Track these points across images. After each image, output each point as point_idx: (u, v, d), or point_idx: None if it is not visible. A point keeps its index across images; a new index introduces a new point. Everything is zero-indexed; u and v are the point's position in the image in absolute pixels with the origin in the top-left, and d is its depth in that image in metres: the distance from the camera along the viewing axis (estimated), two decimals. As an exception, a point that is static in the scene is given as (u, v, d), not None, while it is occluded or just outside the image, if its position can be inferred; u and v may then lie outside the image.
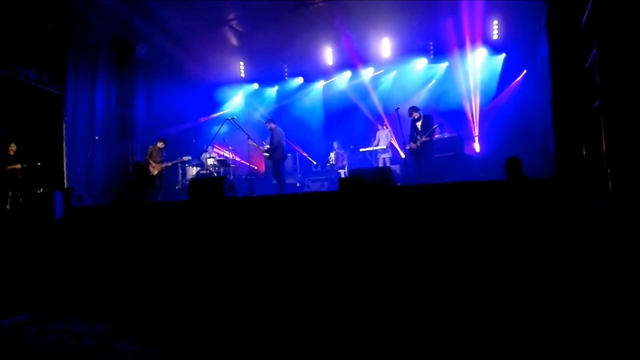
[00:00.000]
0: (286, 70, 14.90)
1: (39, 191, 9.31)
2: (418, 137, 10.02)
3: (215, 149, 13.08)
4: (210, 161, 12.07)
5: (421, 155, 10.05)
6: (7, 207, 9.09)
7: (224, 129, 11.17)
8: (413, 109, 10.21)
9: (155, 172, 11.47)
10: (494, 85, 12.36)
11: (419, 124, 10.10)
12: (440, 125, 11.29)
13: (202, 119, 14.64)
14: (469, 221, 4.55)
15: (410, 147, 10.13)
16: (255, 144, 10.74)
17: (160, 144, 11.63)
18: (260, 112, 15.16)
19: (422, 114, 10.13)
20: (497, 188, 4.97)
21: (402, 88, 13.50)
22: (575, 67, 5.28)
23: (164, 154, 11.69)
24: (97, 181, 11.36)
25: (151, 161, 11.48)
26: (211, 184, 6.78)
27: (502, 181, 5.52)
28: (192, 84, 14.93)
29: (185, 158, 11.84)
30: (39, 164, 9.77)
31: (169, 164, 11.69)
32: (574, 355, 3.36)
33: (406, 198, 5.25)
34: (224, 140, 13.00)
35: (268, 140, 10.94)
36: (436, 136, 11.05)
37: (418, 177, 10.00)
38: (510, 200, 4.57)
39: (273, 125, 10.65)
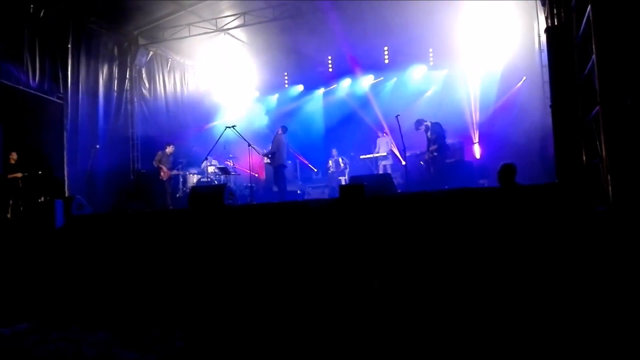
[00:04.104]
0: (286, 78, 14.93)
1: (40, 200, 9.31)
2: (430, 146, 10.06)
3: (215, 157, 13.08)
4: (211, 169, 12.07)
5: (434, 162, 10.09)
6: (8, 215, 9.09)
7: (224, 137, 11.17)
8: (418, 122, 10.18)
9: (166, 178, 11.56)
10: (493, 91, 12.37)
11: (428, 134, 10.12)
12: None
13: (203, 127, 14.65)
14: (468, 227, 4.55)
15: (427, 157, 10.21)
16: (256, 149, 10.75)
17: (169, 149, 11.69)
18: (260, 120, 15.18)
19: (427, 125, 10.11)
20: (495, 194, 4.98)
21: (402, 95, 13.50)
22: (575, 73, 5.29)
23: (172, 159, 11.74)
24: (98, 189, 11.37)
25: (162, 167, 11.52)
26: (211, 192, 6.80)
27: (498, 188, 5.53)
28: (193, 92, 14.96)
29: (194, 177, 12.03)
30: (39, 172, 9.77)
31: (179, 172, 11.82)
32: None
33: (406, 205, 5.25)
34: (225, 148, 13.00)
35: (270, 145, 11.03)
36: (448, 141, 11.01)
37: (428, 182, 10.03)
38: (510, 206, 4.57)
39: (279, 132, 10.72)
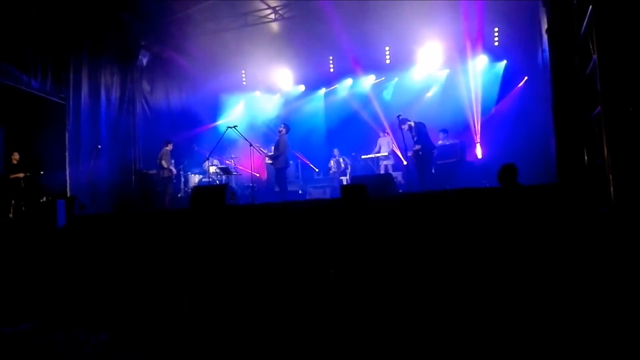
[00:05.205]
0: (288, 78, 14.93)
1: (41, 200, 9.33)
2: (414, 146, 10.03)
3: (217, 157, 13.10)
4: (212, 169, 12.08)
5: (420, 163, 10.06)
6: (10, 215, 9.11)
7: (226, 137, 11.18)
8: (401, 121, 10.01)
9: (174, 175, 11.68)
10: (495, 91, 12.38)
11: (412, 134, 10.07)
12: (444, 132, 11.31)
13: (204, 127, 14.67)
14: (470, 228, 4.54)
15: (412, 155, 10.15)
16: (259, 148, 10.76)
17: (169, 147, 11.73)
18: (262, 120, 15.20)
19: (411, 124, 10.06)
20: (497, 195, 4.97)
21: (403, 95, 13.52)
22: (576, 73, 5.28)
23: (171, 157, 11.80)
24: (100, 189, 11.39)
25: (171, 167, 11.62)
26: (213, 192, 6.80)
27: (500, 188, 5.52)
28: (194, 92, 14.99)
29: (195, 176, 12.14)
30: (41, 172, 9.80)
31: (178, 170, 11.92)
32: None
33: (407, 205, 5.25)
34: (226, 148, 13.03)
35: (272, 147, 11.01)
36: (439, 142, 11.04)
37: (420, 184, 9.99)
38: (512, 207, 4.57)
39: (283, 131, 10.68)
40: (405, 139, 9.99)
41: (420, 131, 10.01)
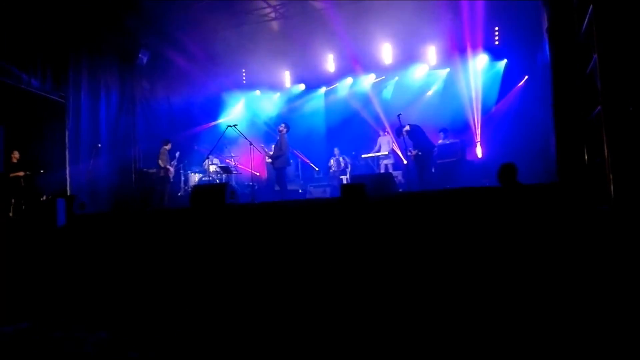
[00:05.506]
0: (288, 77, 14.92)
1: (41, 199, 9.33)
2: (412, 150, 10.09)
3: (217, 156, 13.09)
4: (212, 168, 12.07)
5: (420, 162, 10.10)
6: (10, 214, 9.11)
7: (226, 135, 11.17)
8: (398, 130, 10.16)
9: (171, 175, 11.67)
10: (495, 91, 12.37)
11: (410, 137, 10.15)
12: (444, 131, 11.32)
13: (204, 126, 14.67)
14: (470, 227, 4.54)
15: (412, 156, 10.22)
16: (259, 148, 10.75)
17: (167, 146, 11.73)
18: (262, 119, 15.20)
19: (407, 130, 10.10)
20: (497, 194, 4.97)
21: (403, 94, 13.50)
22: (576, 72, 5.28)
23: (169, 156, 11.79)
24: (100, 188, 11.40)
25: (169, 167, 11.61)
26: (213, 191, 6.79)
27: (500, 187, 5.53)
28: (194, 91, 14.96)
29: (195, 175, 12.19)
30: (41, 171, 9.81)
31: (175, 168, 11.92)
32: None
33: (407, 204, 5.25)
34: (226, 147, 13.02)
35: (272, 146, 10.99)
36: (439, 141, 11.06)
37: (420, 183, 10.01)
38: (512, 206, 4.57)
39: (284, 130, 10.64)
40: (405, 138, 10.02)
41: (416, 135, 10.06)
